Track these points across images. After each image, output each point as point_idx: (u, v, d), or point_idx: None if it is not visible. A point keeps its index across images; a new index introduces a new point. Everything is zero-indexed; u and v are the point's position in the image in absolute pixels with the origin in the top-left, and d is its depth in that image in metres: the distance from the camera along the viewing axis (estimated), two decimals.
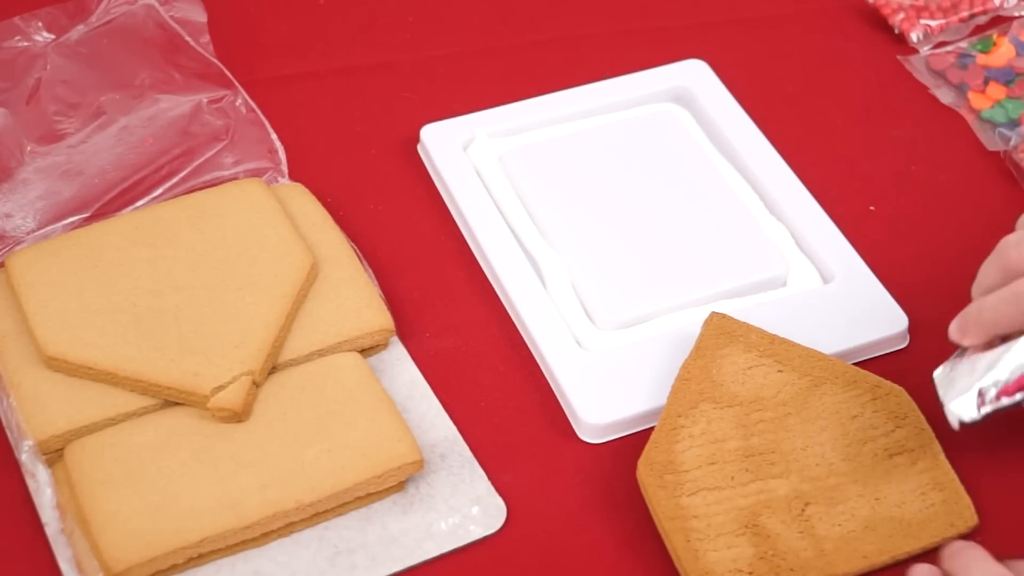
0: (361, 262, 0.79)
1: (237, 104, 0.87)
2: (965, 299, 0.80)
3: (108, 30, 0.90)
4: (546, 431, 0.75)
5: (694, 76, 0.91)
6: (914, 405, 0.73)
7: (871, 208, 0.86)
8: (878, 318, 0.78)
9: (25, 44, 0.89)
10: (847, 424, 0.72)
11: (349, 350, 0.75)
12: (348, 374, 0.73)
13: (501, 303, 0.80)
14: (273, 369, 0.74)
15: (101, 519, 0.67)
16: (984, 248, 0.84)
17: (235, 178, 0.83)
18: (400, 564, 0.69)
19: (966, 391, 0.67)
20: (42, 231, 0.80)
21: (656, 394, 0.74)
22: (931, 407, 0.73)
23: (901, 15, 0.96)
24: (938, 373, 0.70)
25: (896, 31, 0.96)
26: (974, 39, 0.96)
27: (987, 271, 0.69)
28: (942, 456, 0.71)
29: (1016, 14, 0.97)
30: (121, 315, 0.74)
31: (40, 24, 0.90)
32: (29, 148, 0.84)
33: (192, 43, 0.90)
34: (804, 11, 0.98)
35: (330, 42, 0.95)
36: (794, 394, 0.73)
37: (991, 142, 0.89)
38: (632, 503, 0.70)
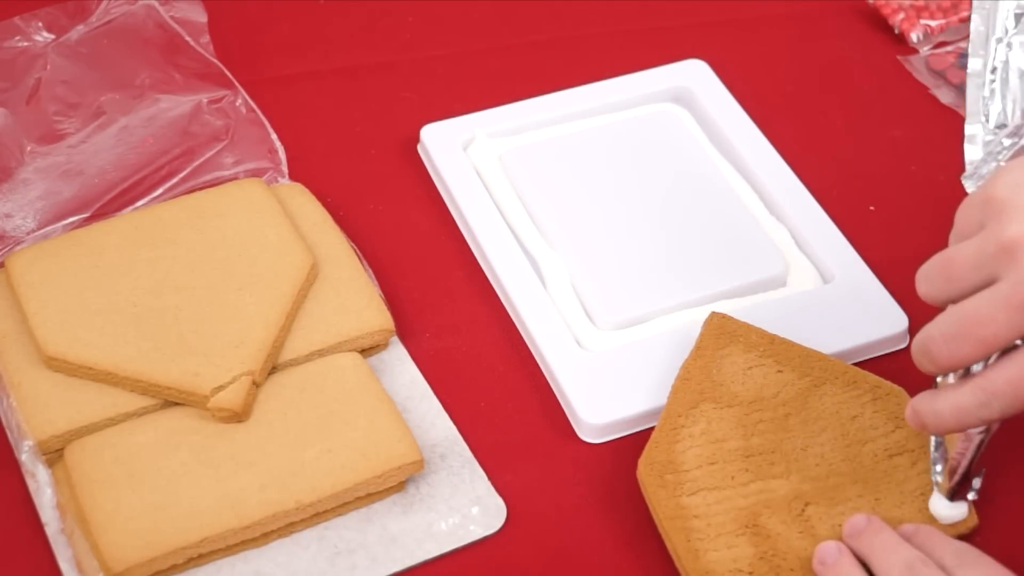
0: (361, 262, 0.79)
1: (237, 104, 0.87)
2: None
3: (108, 30, 0.90)
4: (546, 431, 0.75)
5: (694, 76, 0.91)
6: None
7: (871, 208, 0.86)
8: (878, 318, 0.78)
9: (25, 44, 0.89)
10: (847, 424, 0.72)
11: (349, 350, 0.75)
12: (348, 374, 0.73)
13: (501, 303, 0.80)
14: (273, 369, 0.74)
15: (101, 519, 0.67)
16: None
17: (235, 178, 0.84)
18: (400, 564, 0.69)
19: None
20: (42, 231, 0.80)
21: (656, 394, 0.74)
22: None
23: (901, 15, 0.96)
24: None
25: (896, 31, 0.96)
26: None
27: (968, 213, 0.64)
28: None
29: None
30: (121, 315, 0.74)
31: (40, 24, 0.90)
32: (29, 148, 0.84)
33: (192, 43, 0.90)
34: (804, 11, 0.98)
35: (330, 42, 0.95)
36: (794, 394, 0.73)
37: None
38: (632, 503, 0.70)
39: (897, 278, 0.81)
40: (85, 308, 0.74)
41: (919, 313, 0.79)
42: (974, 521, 0.69)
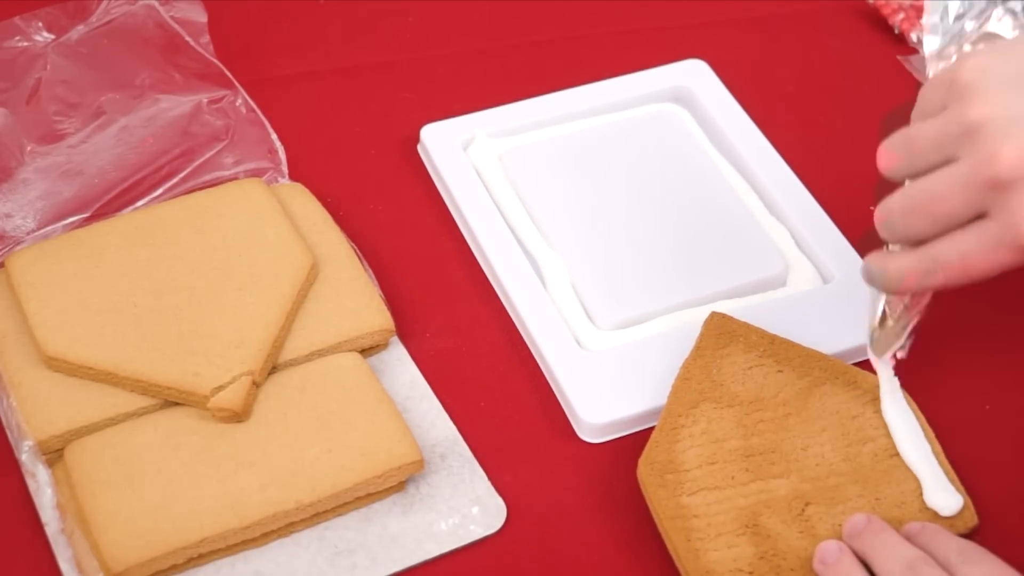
0: (361, 262, 0.79)
1: (237, 104, 0.87)
2: (964, 297, 0.80)
3: (108, 30, 0.90)
4: (546, 431, 0.75)
5: (694, 76, 0.91)
6: (914, 405, 0.73)
7: (871, 208, 0.86)
8: None
9: (25, 44, 0.89)
10: (847, 424, 0.72)
11: (349, 350, 0.75)
12: (348, 374, 0.73)
13: (501, 303, 0.80)
14: (273, 369, 0.74)
15: (101, 519, 0.67)
16: None
17: (235, 178, 0.83)
18: (400, 564, 0.69)
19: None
20: (42, 231, 0.80)
21: (656, 394, 0.74)
22: (931, 407, 0.73)
23: (901, 15, 0.96)
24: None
25: (896, 31, 0.96)
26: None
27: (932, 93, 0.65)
28: (942, 456, 0.71)
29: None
30: (121, 315, 0.74)
31: (40, 24, 0.89)
32: (29, 148, 0.84)
33: (192, 43, 0.90)
34: (804, 11, 0.98)
35: (330, 42, 0.95)
36: (794, 394, 0.73)
37: None
38: (632, 503, 0.70)
39: None
40: (85, 308, 0.74)
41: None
42: (974, 520, 0.69)
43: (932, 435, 0.72)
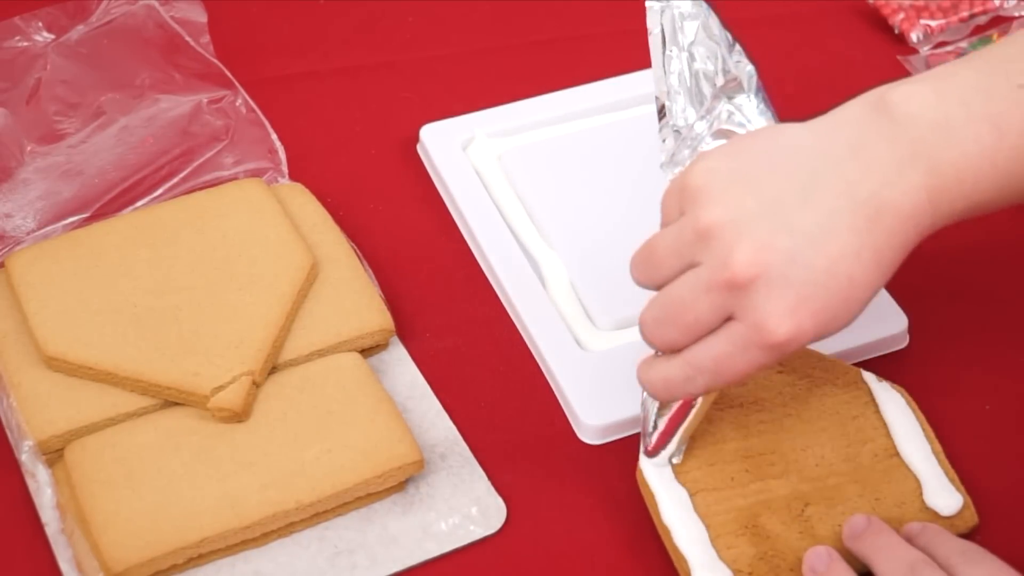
0: (361, 262, 0.79)
1: (237, 104, 0.87)
2: (965, 298, 0.80)
3: (108, 30, 0.90)
4: (546, 431, 0.75)
5: None
6: (914, 405, 0.73)
7: None
8: (878, 318, 0.78)
9: (25, 44, 0.89)
10: (847, 424, 0.72)
11: (349, 350, 0.75)
12: (348, 374, 0.73)
13: (501, 303, 0.80)
14: (273, 369, 0.74)
15: (101, 519, 0.67)
16: (983, 246, 0.84)
17: (235, 178, 0.84)
18: (400, 564, 0.69)
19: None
20: (42, 231, 0.80)
21: None
22: (930, 407, 0.73)
23: (901, 15, 0.96)
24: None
25: (896, 31, 0.96)
26: (974, 39, 0.96)
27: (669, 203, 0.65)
28: (942, 456, 0.71)
29: (1016, 14, 0.97)
30: (121, 315, 0.74)
31: (40, 24, 0.90)
32: (29, 148, 0.84)
33: (192, 43, 0.90)
34: (804, 11, 0.98)
35: (330, 42, 0.95)
36: (794, 395, 0.73)
37: None
38: (632, 504, 0.70)
39: (897, 278, 0.80)
40: (85, 308, 0.74)
41: (919, 313, 0.79)
42: (974, 520, 0.69)
43: (932, 435, 0.72)
